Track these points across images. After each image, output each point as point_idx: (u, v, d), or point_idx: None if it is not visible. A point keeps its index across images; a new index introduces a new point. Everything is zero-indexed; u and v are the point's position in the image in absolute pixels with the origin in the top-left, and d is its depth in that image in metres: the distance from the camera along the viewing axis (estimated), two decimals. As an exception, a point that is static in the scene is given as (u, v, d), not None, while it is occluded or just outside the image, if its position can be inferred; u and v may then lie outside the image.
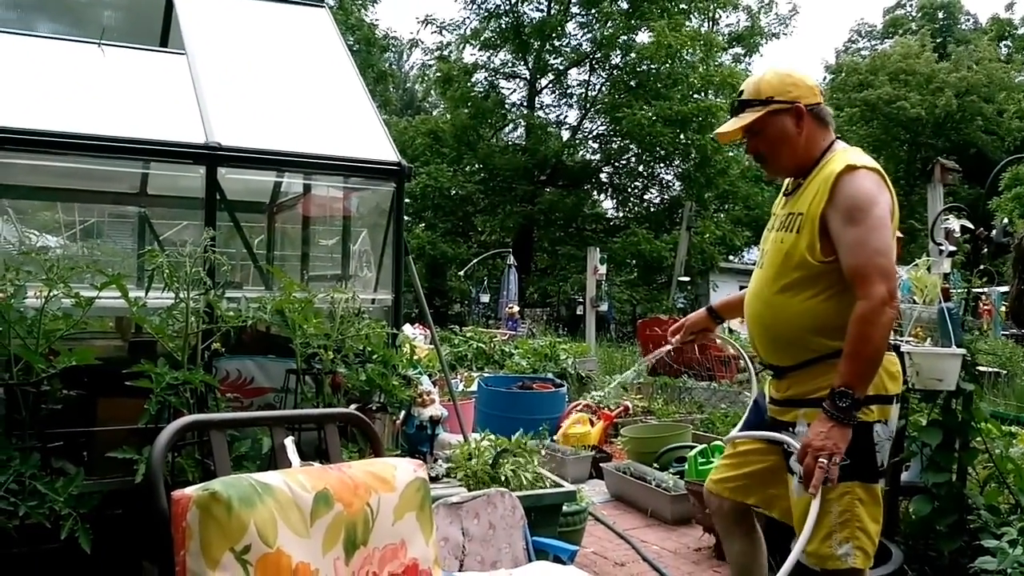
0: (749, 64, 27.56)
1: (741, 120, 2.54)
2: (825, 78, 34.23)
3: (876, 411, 2.37)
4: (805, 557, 2.38)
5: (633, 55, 22.90)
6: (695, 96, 22.71)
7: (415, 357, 3.82)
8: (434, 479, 3.47)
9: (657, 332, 9.12)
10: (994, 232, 4.19)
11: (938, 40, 32.19)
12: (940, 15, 36.15)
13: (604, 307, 15.32)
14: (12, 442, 2.83)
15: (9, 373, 2.86)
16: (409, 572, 1.80)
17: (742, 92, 2.61)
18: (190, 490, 1.48)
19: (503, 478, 3.53)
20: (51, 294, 2.89)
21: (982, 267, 4.10)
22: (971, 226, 4.16)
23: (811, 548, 2.37)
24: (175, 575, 1.46)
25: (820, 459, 2.24)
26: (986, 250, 4.22)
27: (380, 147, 3.99)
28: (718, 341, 2.73)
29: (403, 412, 3.67)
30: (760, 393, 2.81)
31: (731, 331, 9.08)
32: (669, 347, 3.12)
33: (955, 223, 4.12)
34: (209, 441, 2.87)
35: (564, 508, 3.77)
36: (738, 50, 27.71)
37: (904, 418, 3.73)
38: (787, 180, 2.70)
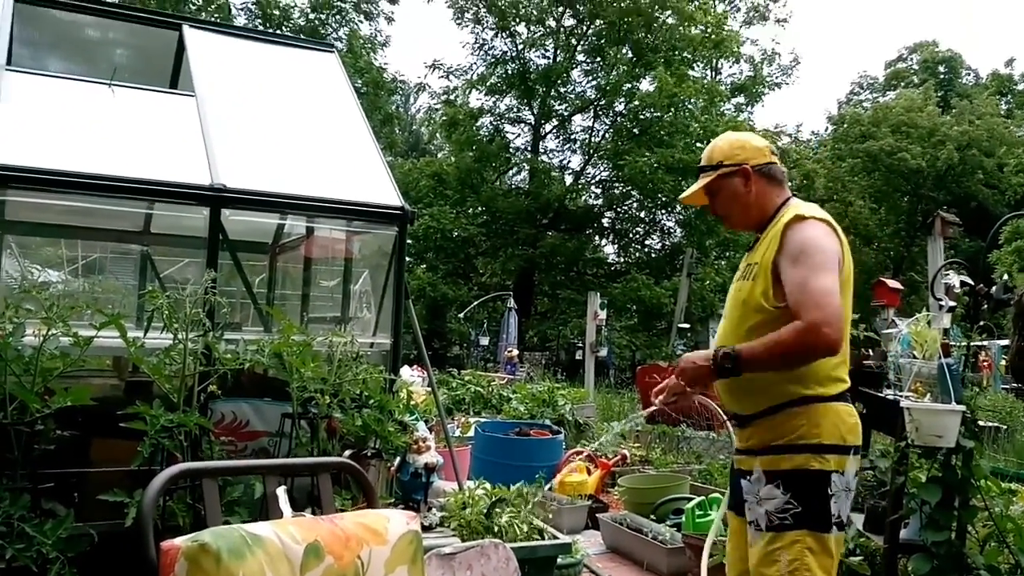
0: (751, 114, 27.87)
1: (697, 185, 2.74)
2: (827, 128, 34.58)
3: (832, 461, 2.39)
4: None
5: (636, 102, 23.16)
6: (697, 145, 22.92)
7: (412, 403, 3.81)
8: (427, 528, 3.44)
9: (656, 379, 9.06)
10: (994, 288, 4.19)
11: (939, 94, 32.55)
12: (941, 69, 36.60)
13: (604, 352, 15.29)
14: (2, 482, 2.81)
15: (3, 412, 2.84)
16: (399, 627, 1.77)
17: (701, 160, 2.80)
18: (179, 540, 1.47)
19: (497, 529, 3.50)
20: (50, 333, 2.89)
21: (982, 323, 4.10)
22: (971, 281, 4.17)
23: None
24: (161, 628, 1.43)
25: (680, 380, 2.51)
26: (986, 306, 4.22)
27: (384, 191, 4.02)
28: (696, 401, 2.70)
29: (398, 459, 3.65)
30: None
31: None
32: (652, 409, 3.10)
33: (955, 278, 4.13)
34: (199, 486, 2.86)
35: (559, 560, 3.73)
36: (740, 100, 28.02)
37: (904, 474, 3.70)
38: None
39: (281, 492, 1.77)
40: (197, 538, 1.46)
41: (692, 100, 22.49)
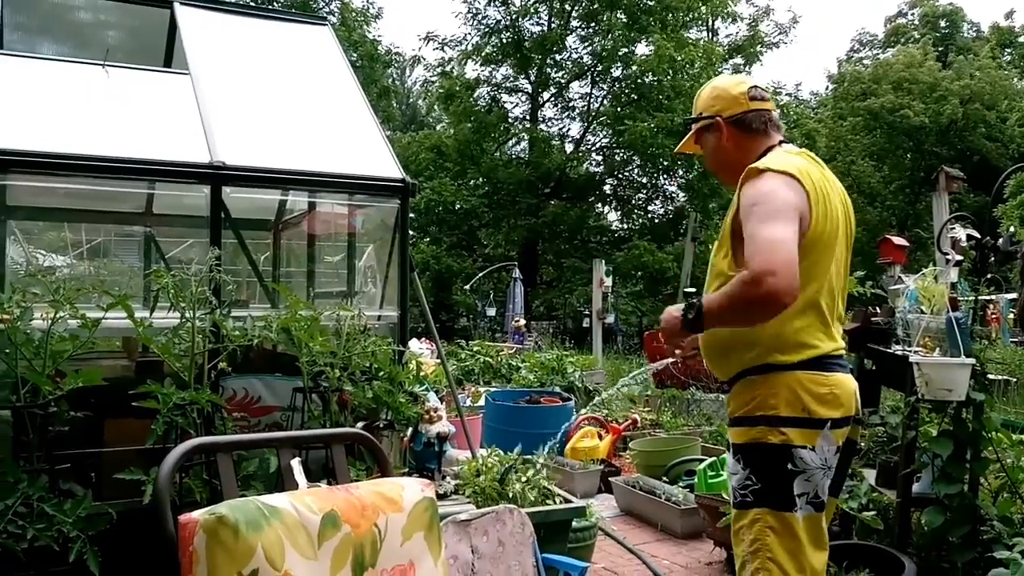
0: (750, 74, 27.60)
1: (686, 138, 2.62)
2: (827, 87, 34.27)
3: (794, 435, 2.19)
4: None
5: (634, 68, 22.95)
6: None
7: (421, 373, 3.81)
8: (442, 496, 3.46)
9: (663, 344, 9.10)
10: (1000, 241, 4.17)
11: (940, 49, 32.19)
12: (942, 23, 36.14)
13: (611, 319, 15.27)
14: (20, 464, 2.83)
15: (16, 395, 2.86)
16: (418, 593, 1.78)
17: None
18: (197, 514, 1.47)
19: (511, 495, 3.52)
20: (57, 315, 2.90)
21: (989, 276, 4.08)
22: (977, 235, 4.14)
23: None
24: (183, 600, 1.44)
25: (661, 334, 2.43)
26: (993, 259, 4.19)
27: (384, 164, 4.00)
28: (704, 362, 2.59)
29: (410, 429, 3.66)
30: None
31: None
32: (668, 361, 3.10)
33: (961, 232, 4.10)
34: (214, 461, 2.88)
35: (574, 524, 3.75)
36: (739, 60, 27.74)
37: (915, 429, 3.71)
38: None
39: (296, 464, 1.78)
40: (214, 511, 1.47)
41: (689, 62, 22.25)
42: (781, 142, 2.46)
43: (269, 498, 1.59)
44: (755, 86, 2.51)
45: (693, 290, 22.13)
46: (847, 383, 2.29)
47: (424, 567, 1.81)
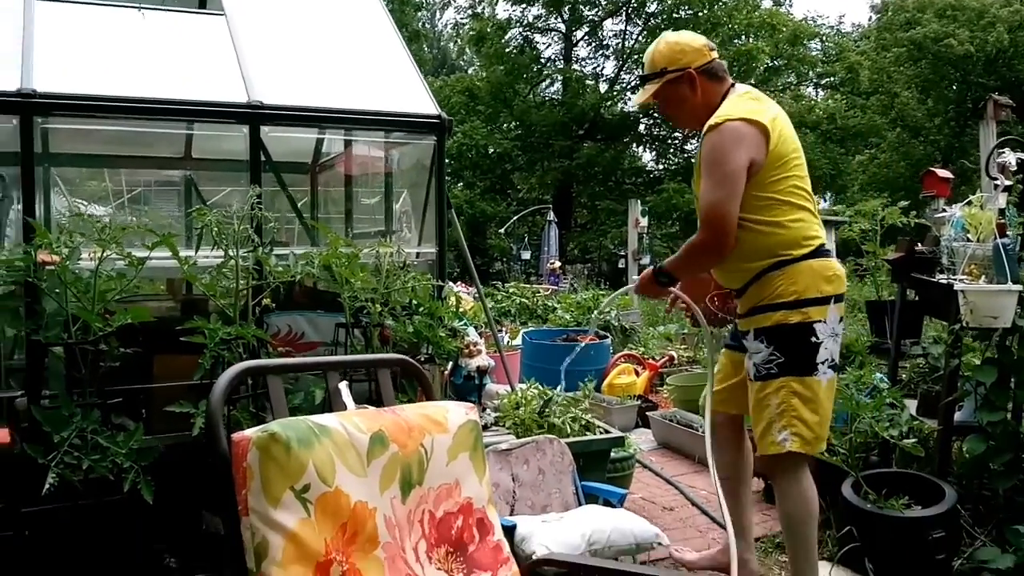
0: (790, 6, 26.82)
1: (645, 93, 2.90)
2: (871, 18, 33.13)
3: (812, 312, 2.71)
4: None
5: (670, 2, 22.40)
6: (735, 41, 22.20)
7: (460, 310, 3.84)
8: (483, 428, 3.51)
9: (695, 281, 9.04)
10: (1052, 164, 4.05)
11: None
12: (991, -53, 34.62)
13: (647, 260, 15.20)
14: (73, 399, 2.92)
15: (68, 333, 2.94)
16: (464, 511, 1.83)
17: (643, 66, 2.96)
18: (249, 432, 1.52)
19: (551, 426, 3.56)
20: (104, 254, 2.96)
21: (1039, 201, 3.98)
22: (1028, 159, 4.03)
23: (757, 440, 2.81)
24: (238, 514, 1.50)
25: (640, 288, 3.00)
26: (1043, 183, 4.09)
27: (420, 101, 3.98)
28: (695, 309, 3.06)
29: (450, 363, 3.71)
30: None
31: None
32: (631, 287, 3.52)
33: (1011, 156, 3.99)
34: (262, 395, 2.95)
35: (612, 454, 3.80)
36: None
37: (958, 357, 3.67)
38: None
39: (343, 386, 1.82)
40: (267, 428, 1.51)
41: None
42: (732, 85, 2.89)
43: (319, 418, 1.63)
44: (705, 40, 2.92)
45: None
46: (839, 265, 2.84)
47: (469, 486, 1.85)
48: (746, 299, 2.85)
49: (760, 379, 2.78)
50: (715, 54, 2.89)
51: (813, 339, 2.71)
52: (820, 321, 2.71)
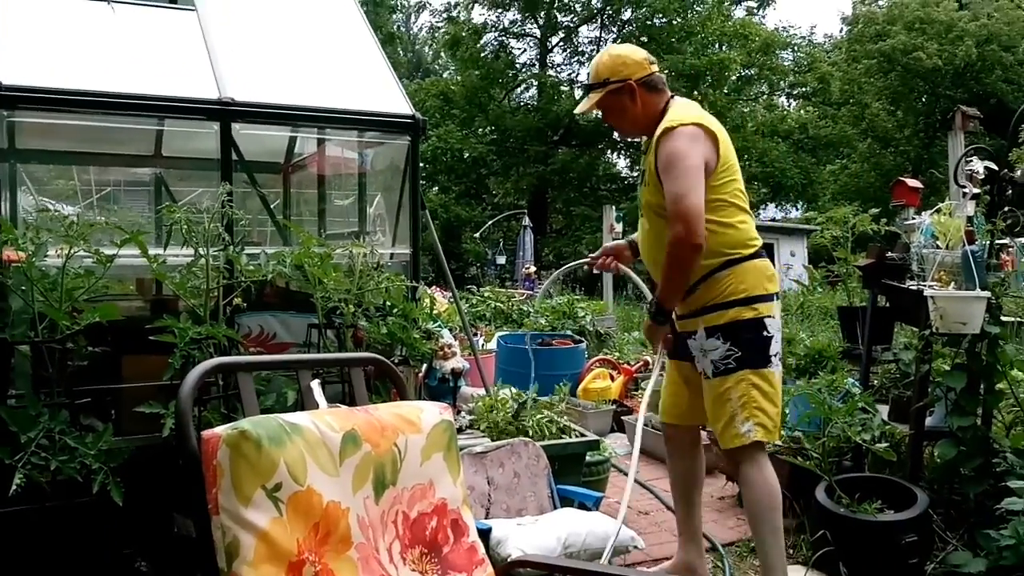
0: (763, 16, 27.07)
1: (588, 102, 3.08)
2: (841, 30, 33.54)
3: (762, 308, 2.87)
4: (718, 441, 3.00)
5: (644, 9, 22.54)
6: (708, 51, 22.38)
7: (435, 311, 3.82)
8: (458, 431, 3.49)
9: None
10: (1018, 173, 4.11)
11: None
12: (959, -38, 35.20)
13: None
14: (40, 399, 2.85)
15: (34, 331, 2.87)
16: (438, 511, 1.81)
17: (588, 75, 3.11)
18: (220, 429, 1.49)
19: (527, 429, 3.55)
20: (72, 251, 2.90)
21: (1007, 209, 4.03)
22: (995, 167, 4.08)
23: (719, 435, 2.94)
24: (208, 513, 1.46)
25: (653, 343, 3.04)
26: (1010, 191, 4.14)
27: (394, 100, 3.95)
28: (623, 269, 3.30)
29: (425, 365, 3.68)
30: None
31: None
32: (586, 261, 3.57)
33: (979, 164, 4.04)
34: (233, 396, 2.90)
35: (588, 458, 3.79)
36: (751, 3, 27.21)
37: (928, 363, 3.70)
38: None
39: (315, 385, 1.79)
40: (237, 426, 1.48)
41: (700, 4, 21.84)
42: (672, 97, 3.03)
43: (290, 416, 1.60)
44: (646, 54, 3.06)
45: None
46: (772, 266, 3.02)
47: (443, 486, 1.83)
48: (694, 299, 2.94)
49: (719, 375, 2.89)
50: (655, 68, 3.04)
51: (765, 333, 2.87)
52: (770, 316, 2.89)
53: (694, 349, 2.96)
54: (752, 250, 2.92)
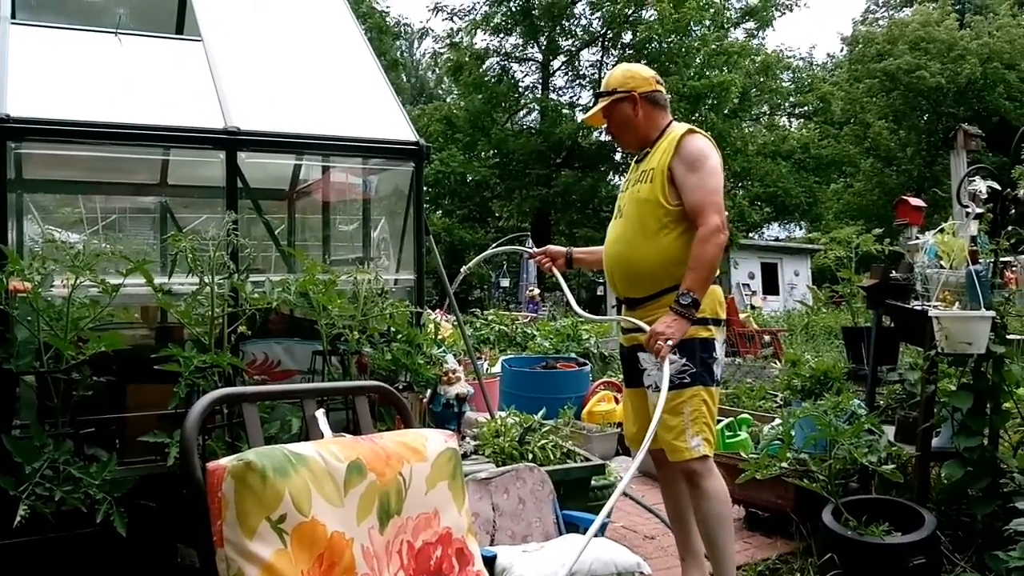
0: (763, 39, 27.21)
1: (596, 108, 3.21)
2: (842, 50, 33.71)
3: (714, 331, 3.01)
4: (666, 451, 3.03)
5: (644, 33, 22.68)
6: (707, 73, 22.49)
7: (439, 336, 3.82)
8: (463, 456, 3.48)
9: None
10: (1021, 192, 4.11)
11: (957, 7, 31.54)
12: (959, -19, 35.38)
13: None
14: (45, 429, 2.86)
15: (40, 361, 2.88)
16: (443, 541, 1.80)
17: (600, 85, 3.26)
18: (225, 461, 1.49)
19: (531, 455, 3.54)
20: (78, 281, 2.91)
21: (1010, 228, 4.03)
22: (998, 187, 4.09)
23: (669, 445, 2.98)
24: (213, 546, 1.46)
25: (669, 341, 2.84)
26: (1013, 211, 4.14)
27: (398, 127, 3.98)
28: (555, 273, 3.49)
29: (429, 391, 3.68)
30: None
31: (753, 307, 9.00)
32: (526, 251, 3.84)
33: (981, 184, 4.05)
34: (237, 424, 2.91)
35: (593, 483, 3.77)
36: (750, 25, 27.34)
37: (934, 383, 3.69)
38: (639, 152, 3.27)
39: (320, 414, 1.79)
40: (242, 457, 1.49)
41: (698, 25, 21.97)
42: (671, 121, 3.17)
43: (295, 446, 1.60)
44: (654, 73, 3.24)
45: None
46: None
47: (448, 515, 1.83)
48: (652, 311, 3.02)
49: (674, 388, 2.90)
50: (662, 87, 3.19)
51: (714, 354, 3.03)
52: (716, 340, 3.03)
53: (645, 362, 3.04)
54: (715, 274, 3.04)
